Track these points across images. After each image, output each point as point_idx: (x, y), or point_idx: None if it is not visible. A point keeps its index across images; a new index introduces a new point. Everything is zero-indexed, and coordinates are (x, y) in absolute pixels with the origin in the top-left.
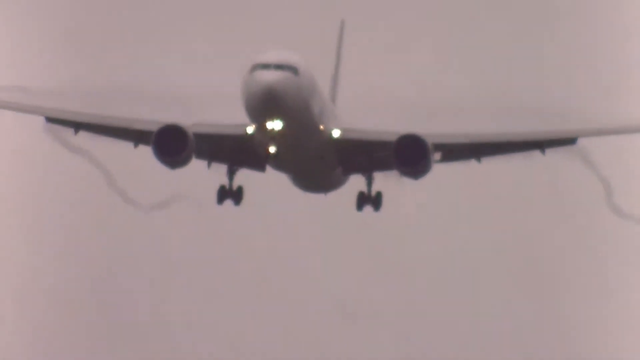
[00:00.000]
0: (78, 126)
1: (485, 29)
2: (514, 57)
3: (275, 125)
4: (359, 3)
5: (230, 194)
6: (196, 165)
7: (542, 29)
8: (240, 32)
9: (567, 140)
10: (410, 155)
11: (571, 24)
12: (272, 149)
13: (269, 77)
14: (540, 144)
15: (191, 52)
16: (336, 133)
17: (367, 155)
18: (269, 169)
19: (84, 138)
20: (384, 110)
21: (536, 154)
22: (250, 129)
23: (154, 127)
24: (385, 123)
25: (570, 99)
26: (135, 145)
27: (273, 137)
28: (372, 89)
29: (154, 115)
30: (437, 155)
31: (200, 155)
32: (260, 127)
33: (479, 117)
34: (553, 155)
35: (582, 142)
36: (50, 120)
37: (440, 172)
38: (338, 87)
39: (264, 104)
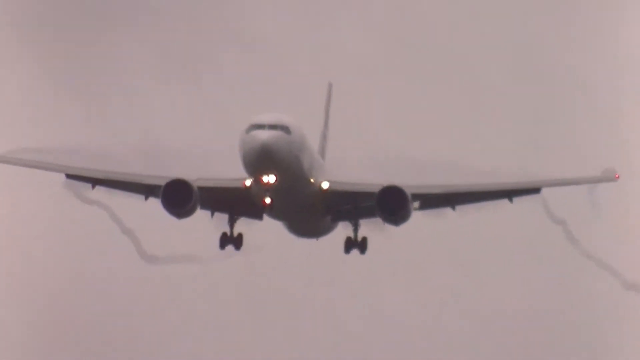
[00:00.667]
0: (95, 182)
1: (464, 89)
2: (491, 116)
3: (270, 178)
4: (345, 68)
5: (231, 240)
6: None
7: (514, 94)
8: (238, 96)
9: (531, 190)
10: (392, 204)
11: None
12: (267, 200)
13: (264, 136)
14: (507, 194)
15: (194, 114)
16: (325, 185)
17: (353, 205)
18: (265, 217)
19: (100, 192)
20: (369, 164)
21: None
22: (248, 182)
23: (162, 182)
24: (370, 175)
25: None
26: (146, 198)
27: (268, 189)
28: (359, 144)
29: (163, 171)
30: (415, 204)
31: (204, 206)
32: (257, 181)
33: (457, 171)
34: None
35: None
36: (70, 176)
37: (420, 219)
38: (327, 143)
39: (259, 159)
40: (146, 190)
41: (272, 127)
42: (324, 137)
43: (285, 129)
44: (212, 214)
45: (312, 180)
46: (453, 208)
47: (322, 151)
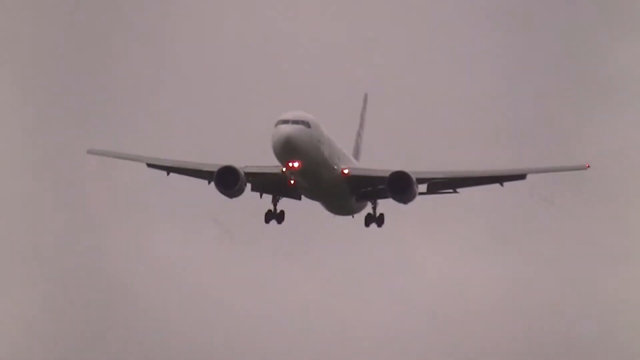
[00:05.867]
0: (169, 169)
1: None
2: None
3: (294, 164)
4: (380, 80)
5: (274, 216)
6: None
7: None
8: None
9: (518, 176)
10: (400, 186)
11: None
12: (292, 182)
13: (287, 129)
14: (498, 179)
15: (250, 119)
16: (345, 171)
17: (370, 187)
18: (305, 198)
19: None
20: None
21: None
22: (284, 169)
23: (215, 169)
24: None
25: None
26: (209, 182)
27: (295, 173)
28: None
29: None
30: (423, 188)
31: (253, 188)
32: (285, 167)
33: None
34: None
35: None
36: (150, 165)
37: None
38: (362, 143)
39: (284, 148)
40: (207, 175)
41: (295, 122)
42: (359, 135)
43: (305, 123)
44: (261, 195)
45: (334, 166)
46: (455, 191)
47: (358, 147)
